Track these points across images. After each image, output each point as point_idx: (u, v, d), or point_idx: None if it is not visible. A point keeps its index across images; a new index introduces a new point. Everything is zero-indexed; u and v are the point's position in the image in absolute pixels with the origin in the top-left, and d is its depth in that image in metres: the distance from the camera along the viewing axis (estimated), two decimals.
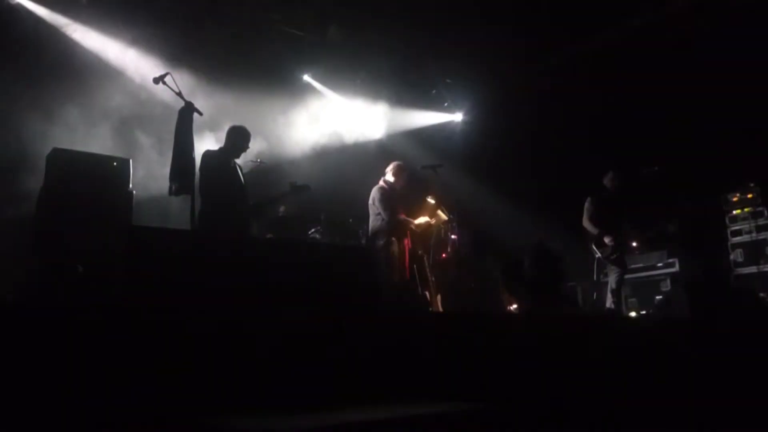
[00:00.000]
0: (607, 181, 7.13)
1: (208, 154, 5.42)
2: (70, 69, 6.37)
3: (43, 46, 6.33)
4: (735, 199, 7.56)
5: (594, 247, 6.80)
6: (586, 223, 6.94)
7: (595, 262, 6.97)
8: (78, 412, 2.12)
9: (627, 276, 7.41)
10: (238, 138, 5.59)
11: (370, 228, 6.48)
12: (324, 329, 2.98)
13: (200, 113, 5.17)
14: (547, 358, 3.53)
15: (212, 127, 6.48)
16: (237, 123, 5.69)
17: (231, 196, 5.38)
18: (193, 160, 5.09)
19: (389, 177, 6.53)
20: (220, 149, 5.57)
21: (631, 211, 6.95)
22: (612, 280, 6.74)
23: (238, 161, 5.65)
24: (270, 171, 7.03)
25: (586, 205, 7.01)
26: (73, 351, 2.26)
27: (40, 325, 2.30)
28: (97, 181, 5.09)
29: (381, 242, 6.23)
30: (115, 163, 5.27)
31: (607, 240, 6.76)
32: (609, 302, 6.67)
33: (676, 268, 7.35)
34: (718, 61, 7.01)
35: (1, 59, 5.91)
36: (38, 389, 2.11)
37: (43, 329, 2.27)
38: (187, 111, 5.14)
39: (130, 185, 5.31)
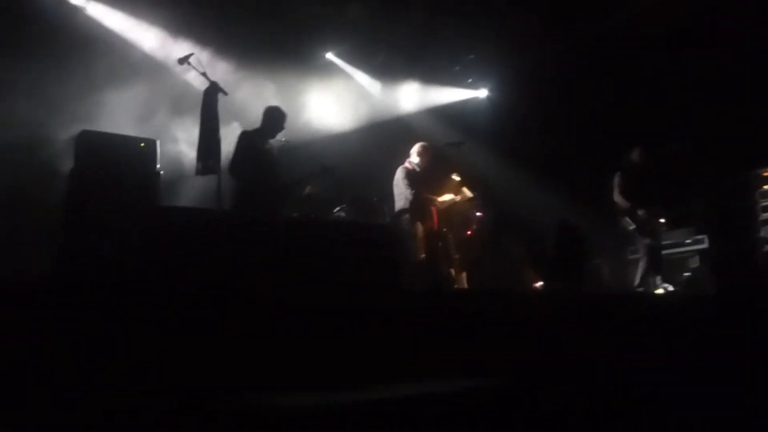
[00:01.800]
0: (635, 156, 7.00)
1: (243, 135, 5.49)
2: (96, 51, 6.41)
3: (68, 27, 6.36)
4: (766, 174, 7.37)
5: (628, 220, 6.71)
6: (617, 198, 6.83)
7: (627, 237, 6.89)
8: (98, 389, 2.17)
9: None
10: (273, 118, 5.64)
11: (395, 207, 6.48)
12: (350, 306, 2.99)
13: (225, 93, 5.20)
14: (571, 337, 3.51)
15: (234, 108, 6.49)
16: (272, 104, 5.75)
17: (264, 176, 5.43)
18: (218, 139, 5.14)
19: (414, 158, 6.53)
20: (256, 130, 5.61)
21: (659, 186, 6.84)
22: (644, 255, 6.66)
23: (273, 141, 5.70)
24: (295, 151, 7.05)
25: (616, 179, 6.91)
26: (94, 328, 2.30)
27: (68, 301, 2.35)
28: (125, 162, 5.16)
29: (405, 221, 6.24)
30: (142, 144, 5.33)
31: (640, 212, 6.68)
32: (638, 279, 6.59)
33: (705, 245, 7.14)
34: (747, 32, 6.81)
35: (29, 41, 5.98)
36: (65, 365, 2.16)
37: (71, 306, 2.32)
38: (212, 91, 5.17)
39: (158, 165, 5.37)
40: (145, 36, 7.05)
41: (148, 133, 5.76)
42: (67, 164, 5.20)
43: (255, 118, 5.85)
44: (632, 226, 6.66)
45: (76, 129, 5.28)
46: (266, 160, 5.56)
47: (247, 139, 5.46)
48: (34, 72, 5.90)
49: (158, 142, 5.49)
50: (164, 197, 5.39)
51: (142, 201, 4.97)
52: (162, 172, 5.45)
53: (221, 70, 6.89)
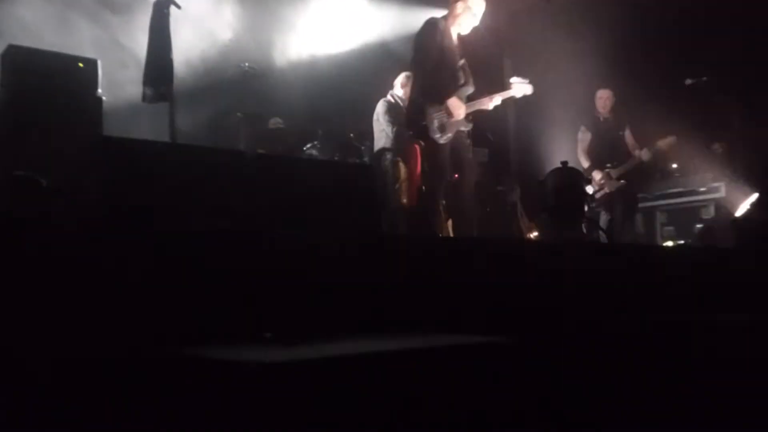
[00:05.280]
0: (597, 103, 7.00)
1: (429, 24, 5.19)
2: None
3: None
4: None
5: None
6: (582, 155, 6.89)
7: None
8: (48, 337, 2.14)
9: (664, 202, 7.39)
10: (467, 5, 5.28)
11: (374, 145, 6.44)
12: (323, 254, 2.97)
13: (178, 6, 5.04)
14: (570, 290, 3.54)
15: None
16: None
17: (444, 82, 5.19)
18: (170, 61, 4.99)
19: (397, 90, 6.48)
20: (444, 17, 5.28)
21: (623, 143, 6.89)
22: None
23: None
24: (260, 78, 6.92)
25: (579, 135, 6.99)
26: (36, 271, 2.25)
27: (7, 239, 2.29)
28: (61, 83, 4.98)
29: (387, 161, 6.21)
30: (81, 64, 5.16)
31: (596, 176, 6.69)
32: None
33: (721, 194, 7.07)
34: None
35: None
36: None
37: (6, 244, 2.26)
38: (164, 4, 5.01)
39: (99, 90, 5.23)
40: None
41: (88, 51, 5.59)
42: None
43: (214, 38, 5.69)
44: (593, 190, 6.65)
45: (1, 43, 5.11)
46: (452, 60, 5.23)
47: (432, 29, 5.15)
48: None
49: (100, 63, 5.35)
50: (108, 127, 5.26)
51: (82, 130, 4.86)
52: (105, 98, 5.32)
53: None
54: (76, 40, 5.98)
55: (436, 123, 5.09)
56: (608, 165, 6.79)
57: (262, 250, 2.83)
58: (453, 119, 5.14)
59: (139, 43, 5.53)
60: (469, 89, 5.27)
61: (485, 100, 5.33)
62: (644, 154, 6.75)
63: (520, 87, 5.39)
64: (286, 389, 1.76)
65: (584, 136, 7.00)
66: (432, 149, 5.29)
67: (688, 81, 6.68)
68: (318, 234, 3.21)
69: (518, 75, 5.48)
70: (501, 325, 2.99)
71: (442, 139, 5.14)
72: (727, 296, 3.95)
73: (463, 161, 5.35)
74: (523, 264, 3.63)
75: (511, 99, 5.51)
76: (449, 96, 5.11)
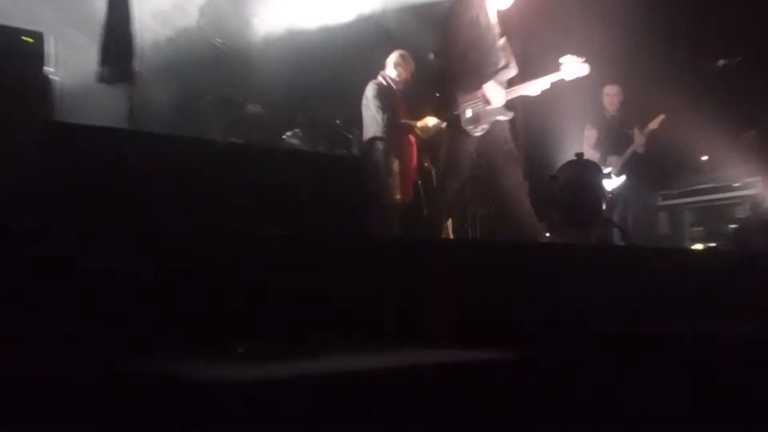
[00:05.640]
0: (604, 99, 7.08)
1: None
2: None
3: None
4: None
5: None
6: (589, 152, 6.83)
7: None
8: None
9: (692, 199, 7.40)
10: None
11: (363, 134, 6.40)
12: (307, 258, 2.92)
13: None
14: (585, 299, 3.50)
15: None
16: None
17: (481, 56, 5.01)
18: (130, 36, 4.95)
19: (389, 71, 6.42)
20: None
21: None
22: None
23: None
24: (233, 56, 6.86)
25: (586, 132, 7.05)
26: None
27: None
28: (2, 61, 4.92)
29: (378, 152, 6.16)
30: (26, 38, 5.09)
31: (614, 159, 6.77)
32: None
33: (757, 190, 7.04)
34: None
35: None
36: None
37: None
38: None
39: (47, 67, 5.16)
40: None
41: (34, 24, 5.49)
42: None
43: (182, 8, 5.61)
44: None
45: None
46: (489, 39, 5.04)
47: (466, 2, 5.00)
48: None
49: (51, 38, 5.27)
50: (59, 111, 5.20)
51: (26, 114, 4.78)
52: (57, 78, 5.25)
53: None
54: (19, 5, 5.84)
55: (469, 113, 4.88)
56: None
57: (234, 252, 2.78)
58: (490, 107, 4.91)
59: (97, 8, 5.43)
60: (511, 72, 5.00)
61: (530, 84, 5.05)
62: (637, 145, 6.86)
63: (572, 67, 5.04)
64: (256, 411, 1.72)
65: (589, 134, 7.10)
66: (453, 142, 5.05)
67: (721, 62, 6.68)
68: (299, 234, 3.17)
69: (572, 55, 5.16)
70: (506, 336, 2.96)
71: (477, 131, 4.89)
72: (764, 307, 3.93)
73: (503, 157, 5.07)
74: (530, 269, 3.60)
75: (562, 82, 5.15)
76: (486, 80, 4.89)
